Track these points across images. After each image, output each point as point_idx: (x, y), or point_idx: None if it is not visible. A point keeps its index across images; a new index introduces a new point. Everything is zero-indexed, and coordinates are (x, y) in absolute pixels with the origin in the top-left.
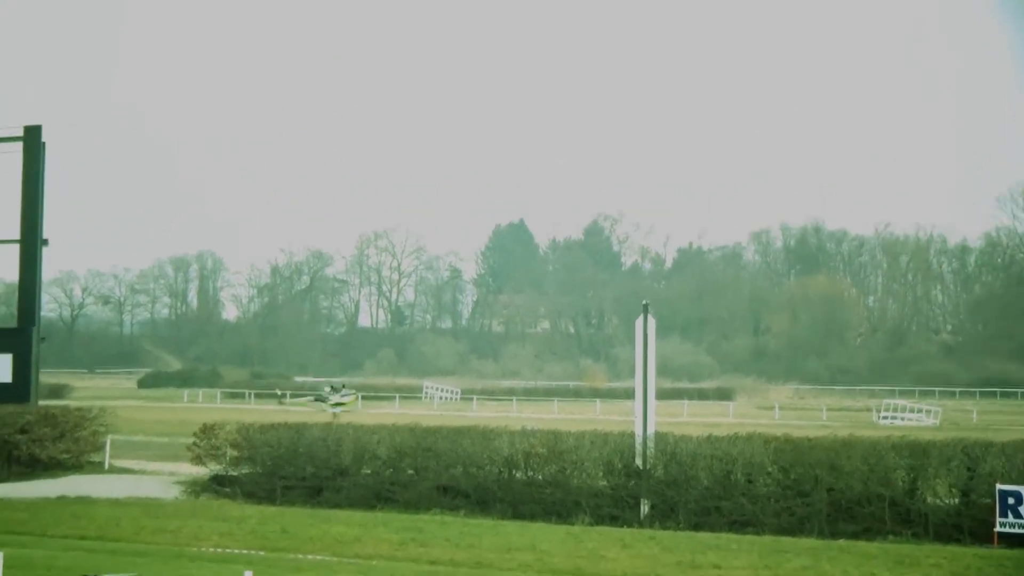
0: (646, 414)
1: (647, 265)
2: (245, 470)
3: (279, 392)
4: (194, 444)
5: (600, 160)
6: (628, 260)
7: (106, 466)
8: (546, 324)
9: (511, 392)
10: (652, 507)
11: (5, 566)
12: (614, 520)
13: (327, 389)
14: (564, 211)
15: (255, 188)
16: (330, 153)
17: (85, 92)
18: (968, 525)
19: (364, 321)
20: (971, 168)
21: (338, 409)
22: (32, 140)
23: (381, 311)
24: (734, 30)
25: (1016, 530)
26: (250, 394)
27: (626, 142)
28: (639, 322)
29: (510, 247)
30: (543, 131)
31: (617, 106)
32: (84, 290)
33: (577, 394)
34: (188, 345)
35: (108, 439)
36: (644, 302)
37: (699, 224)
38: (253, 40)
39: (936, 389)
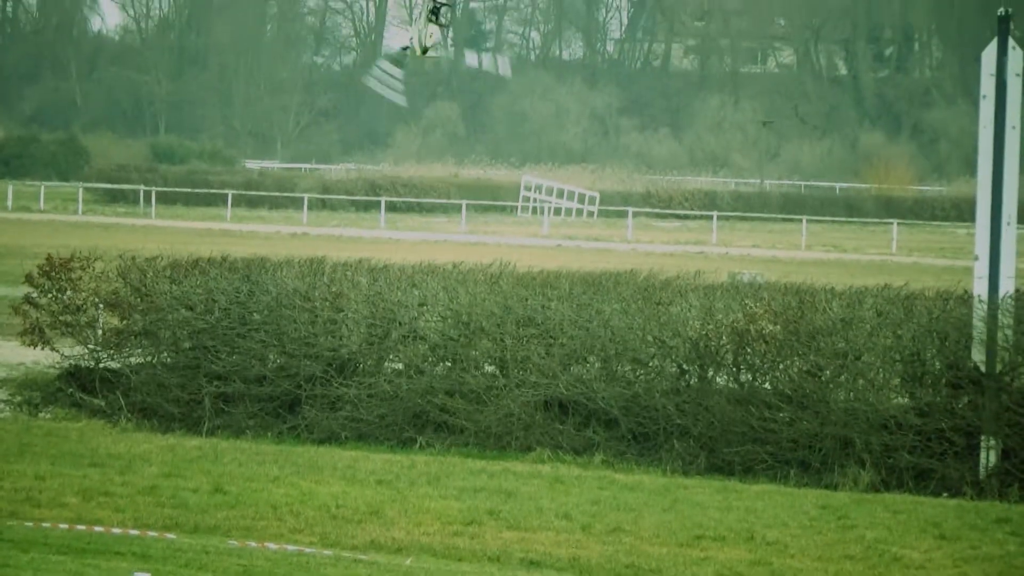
0: (998, 252)
1: None
2: (139, 358)
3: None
4: (27, 301)
5: None
6: None
7: None
8: (788, 54)
9: (709, 199)
10: (1004, 452)
11: None
12: (919, 482)
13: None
14: None
15: None
16: None
17: None
18: None
19: (394, 42)
20: None
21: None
22: None
23: (431, 24)
24: None
25: None
26: (147, 195)
27: None
28: (988, 52)
29: None
30: None
31: None
32: None
33: (849, 206)
34: (19, 87)
35: None
36: (1002, 9)
37: None
38: None
39: None
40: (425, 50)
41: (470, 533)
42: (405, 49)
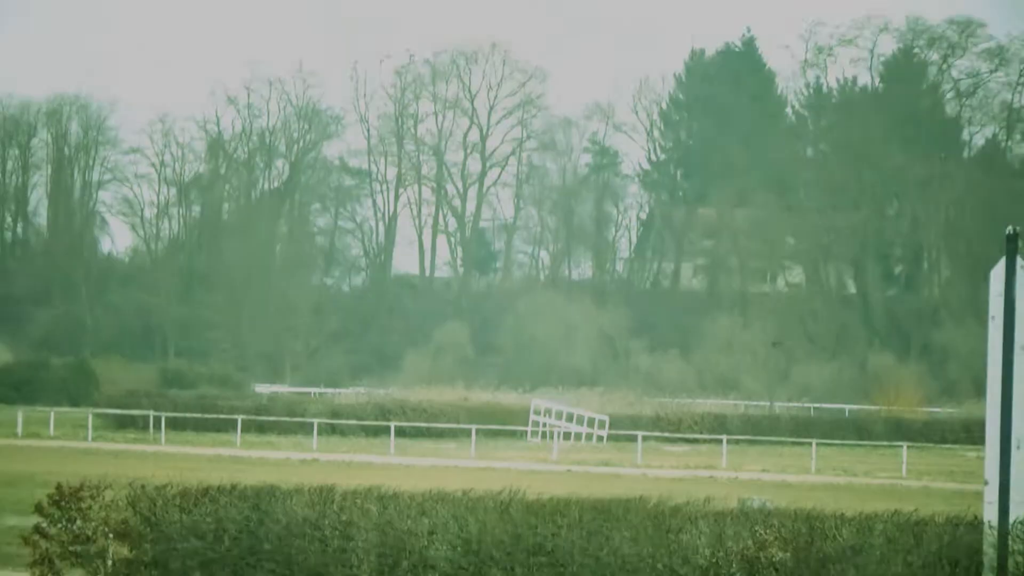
0: (1008, 468)
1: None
2: None
3: None
4: (37, 531)
5: None
6: (978, 137)
7: None
8: (797, 273)
9: (719, 423)
10: None
11: None
12: None
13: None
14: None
15: None
16: None
17: None
18: None
19: (403, 263)
20: None
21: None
22: None
23: (442, 241)
24: None
25: None
26: (157, 421)
27: None
28: (998, 270)
29: (722, 99)
30: None
31: None
32: None
33: (858, 429)
34: (31, 310)
35: None
36: (1011, 228)
37: None
38: None
39: None
40: None
41: None
42: None
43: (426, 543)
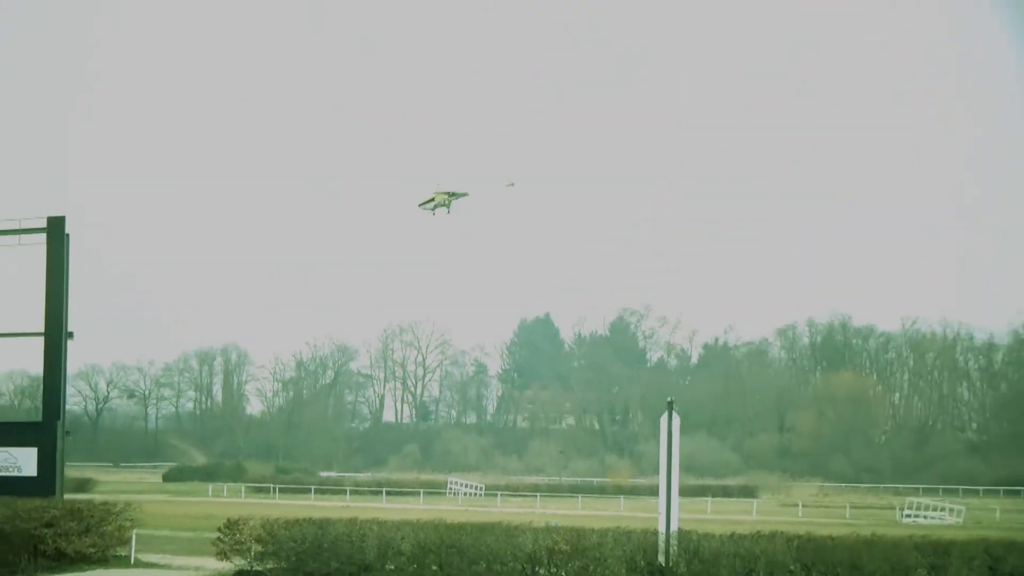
0: (669, 511)
1: (673, 361)
2: (270, 565)
3: None
4: (219, 539)
5: (626, 254)
6: (654, 356)
7: (132, 561)
8: (571, 420)
9: (535, 488)
10: None
11: None
12: None
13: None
14: (589, 306)
15: (281, 281)
16: (352, 247)
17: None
18: None
19: (388, 416)
20: (1000, 263)
21: None
22: (56, 231)
23: (406, 406)
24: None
25: None
26: (275, 488)
27: (652, 237)
28: (664, 419)
29: (536, 342)
30: (567, 225)
31: (641, 202)
32: (109, 383)
33: (601, 490)
34: (213, 439)
35: (133, 533)
36: (669, 399)
37: (725, 320)
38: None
39: (960, 487)
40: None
41: None
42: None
43: (400, 541)
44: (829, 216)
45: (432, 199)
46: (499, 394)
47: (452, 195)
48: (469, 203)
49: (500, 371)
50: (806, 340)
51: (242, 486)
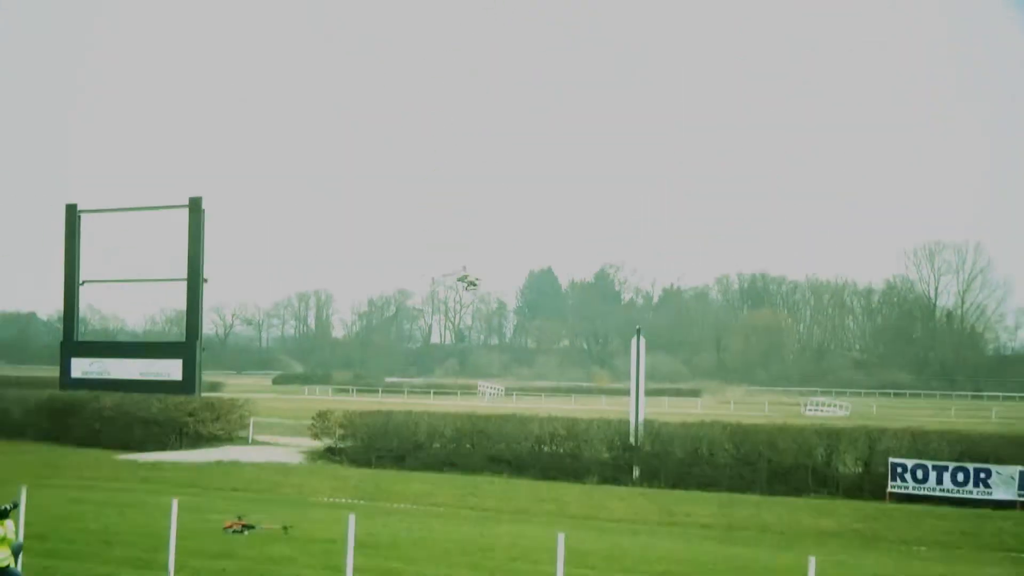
0: (638, 406)
1: (640, 300)
2: (349, 443)
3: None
4: (313, 425)
5: (607, 220)
6: (626, 296)
7: (250, 440)
8: (566, 342)
9: (541, 390)
10: (641, 472)
11: (179, 509)
12: (615, 481)
13: None
14: (581, 260)
15: (353, 239)
16: (409, 217)
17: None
18: (868, 487)
19: (435, 339)
20: (881, 227)
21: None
22: (195, 207)
23: (447, 331)
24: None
25: (903, 491)
26: (352, 390)
27: (628, 206)
28: (633, 341)
29: (541, 286)
30: (565, 196)
31: (625, 180)
32: (233, 314)
33: (588, 392)
34: (308, 354)
35: (251, 421)
36: (637, 327)
37: (677, 271)
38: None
39: (847, 390)
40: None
41: None
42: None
43: (443, 427)
44: (759, 189)
45: (465, 275)
46: (514, 323)
47: (471, 284)
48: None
49: (516, 307)
50: (736, 287)
51: (329, 388)
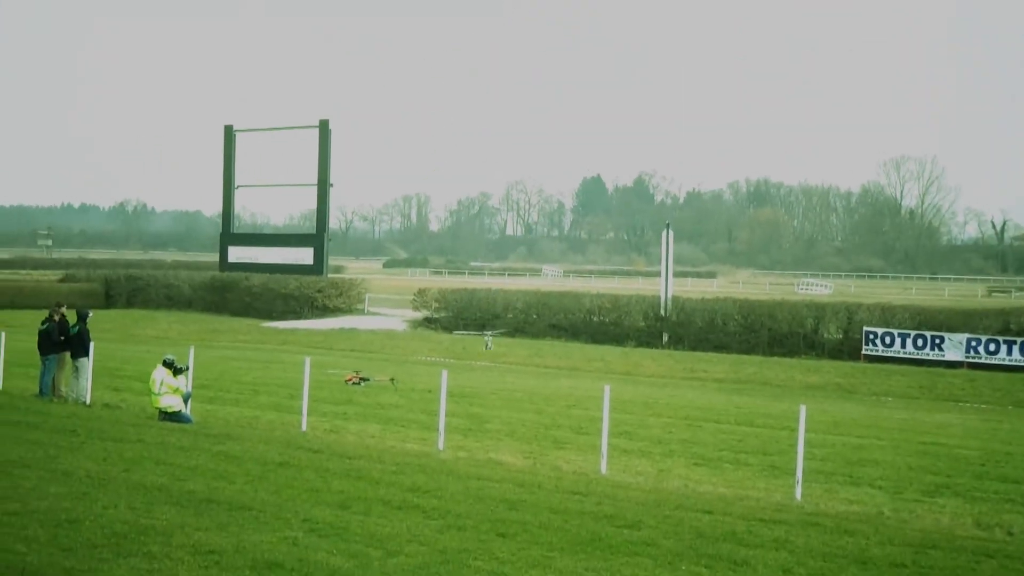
0: (667, 285)
1: (669, 200)
2: (443, 314)
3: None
4: (414, 299)
5: (644, 132)
6: (659, 197)
7: (365, 311)
8: (611, 234)
9: (591, 272)
10: (669, 337)
11: (310, 366)
12: (648, 344)
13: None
14: (623, 167)
15: (445, 149)
16: (486, 117)
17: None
18: (847, 350)
19: (509, 231)
20: (858, 141)
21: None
22: (324, 127)
23: (519, 226)
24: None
25: (874, 353)
26: (445, 271)
27: (662, 118)
28: (664, 234)
29: (591, 189)
30: (611, 107)
31: (665, 94)
32: (353, 212)
33: (628, 274)
34: (411, 243)
35: (366, 296)
36: (667, 222)
37: (699, 177)
38: None
39: (831, 273)
40: None
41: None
42: None
43: (515, 301)
44: (764, 101)
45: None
46: (571, 219)
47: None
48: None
49: (572, 206)
50: (744, 190)
51: (427, 270)
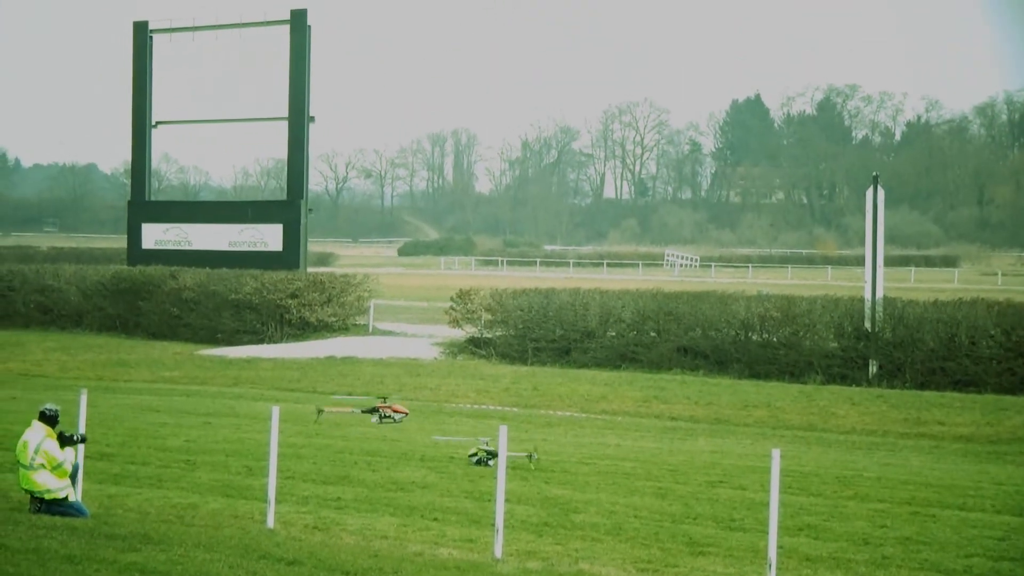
0: (875, 280)
1: (877, 138)
2: (498, 332)
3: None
4: (451, 308)
5: (831, 30)
6: (859, 133)
7: (370, 329)
8: (780, 195)
9: (747, 259)
10: (880, 367)
11: (280, 419)
12: (844, 379)
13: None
14: (797, 85)
15: (504, 64)
16: (575, 26)
17: None
18: None
19: (609, 192)
20: None
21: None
22: (298, 23)
23: (625, 183)
24: None
25: None
26: (502, 261)
27: (858, 11)
28: (869, 193)
29: (746, 121)
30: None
31: None
32: (348, 165)
33: (810, 261)
34: (444, 215)
35: (371, 303)
36: (874, 174)
37: (927, 98)
38: None
39: None
40: None
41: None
42: None
43: (621, 309)
44: None
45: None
46: (712, 171)
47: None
48: None
49: (714, 149)
50: (1004, 117)
51: (472, 259)
